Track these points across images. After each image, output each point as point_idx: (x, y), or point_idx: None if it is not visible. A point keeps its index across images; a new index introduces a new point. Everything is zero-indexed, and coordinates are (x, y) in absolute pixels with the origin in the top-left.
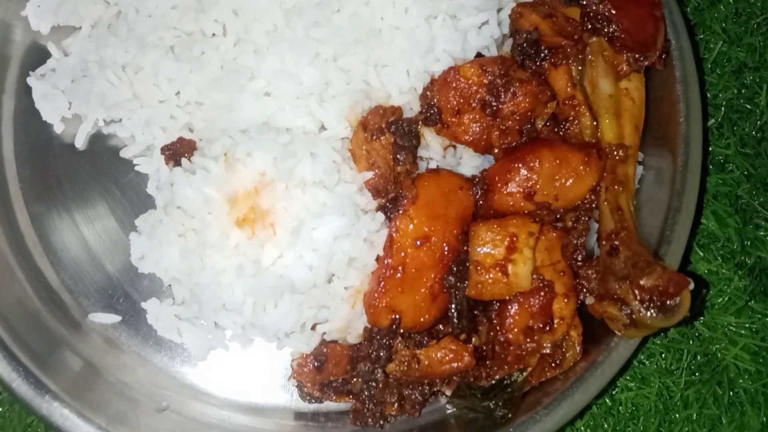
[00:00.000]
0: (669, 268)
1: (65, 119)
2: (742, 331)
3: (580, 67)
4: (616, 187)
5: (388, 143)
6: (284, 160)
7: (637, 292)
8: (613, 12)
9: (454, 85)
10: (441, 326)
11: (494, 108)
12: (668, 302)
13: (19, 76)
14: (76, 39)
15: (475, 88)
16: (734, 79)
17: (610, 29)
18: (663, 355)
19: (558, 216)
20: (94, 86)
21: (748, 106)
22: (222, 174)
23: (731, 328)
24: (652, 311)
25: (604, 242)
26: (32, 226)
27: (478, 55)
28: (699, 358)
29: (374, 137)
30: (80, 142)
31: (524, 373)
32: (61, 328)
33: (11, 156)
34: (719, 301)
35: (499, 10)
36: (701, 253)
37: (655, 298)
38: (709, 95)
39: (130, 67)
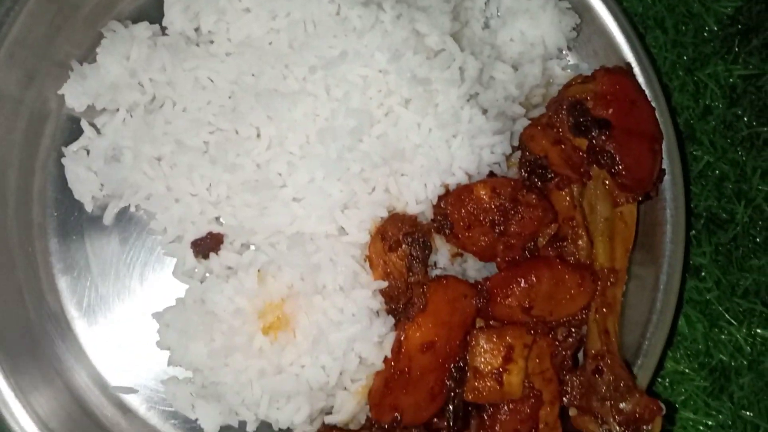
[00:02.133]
0: (644, 395)
1: (95, 198)
2: (700, 427)
3: (580, 188)
4: (604, 309)
5: (404, 255)
6: (310, 273)
7: (615, 415)
8: (619, 150)
9: (467, 203)
10: (435, 419)
11: (501, 228)
12: (642, 427)
13: (50, 149)
14: (111, 121)
15: (485, 206)
16: (716, 190)
17: (614, 167)
18: None
19: (550, 328)
20: (129, 175)
21: (725, 216)
22: (254, 287)
23: (690, 423)
24: None
25: (590, 360)
26: (60, 300)
27: (491, 173)
28: None
29: (392, 249)
30: (108, 220)
31: None
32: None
33: (42, 229)
34: (681, 398)
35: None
36: (670, 353)
37: (630, 422)
38: (691, 204)
39: (165, 161)
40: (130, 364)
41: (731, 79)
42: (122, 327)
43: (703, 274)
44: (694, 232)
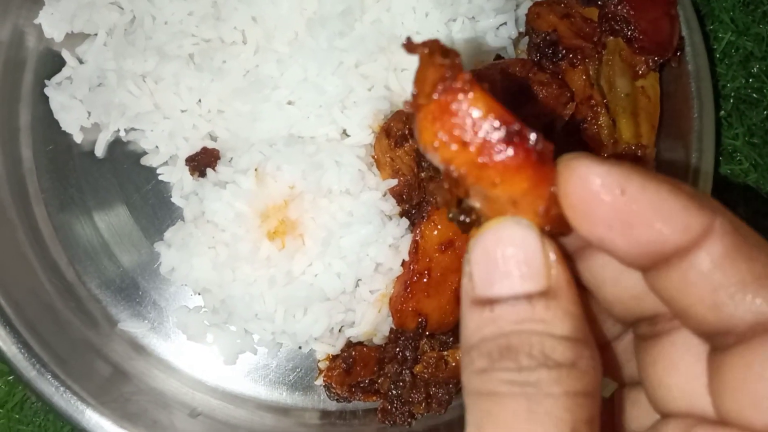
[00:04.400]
0: None
1: (84, 128)
2: None
3: (596, 66)
4: None
5: (412, 150)
6: (312, 172)
7: None
8: (632, 13)
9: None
10: None
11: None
12: None
13: (34, 84)
14: (92, 47)
15: (495, 90)
16: (742, 69)
17: (629, 31)
18: None
19: None
20: (114, 97)
21: (756, 96)
22: (253, 189)
23: None
24: None
25: None
26: (56, 237)
27: (497, 57)
28: None
29: (398, 144)
30: (100, 151)
31: None
32: (92, 338)
33: (31, 166)
34: None
35: (515, 8)
36: None
37: None
38: (718, 86)
39: (150, 77)
40: (136, 298)
41: None
42: (123, 260)
43: (738, 157)
44: (723, 113)
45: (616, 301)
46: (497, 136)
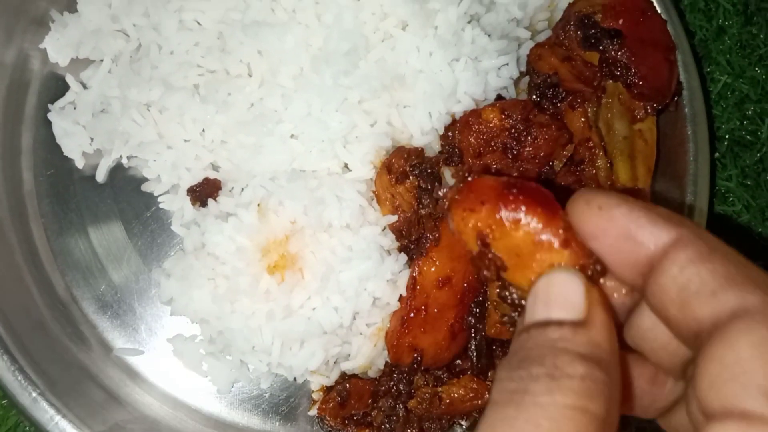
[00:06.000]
0: None
1: (86, 153)
2: None
3: (595, 108)
4: None
5: (412, 187)
6: (314, 207)
7: None
8: (633, 59)
9: (476, 128)
10: (459, 360)
11: (514, 151)
12: None
13: (37, 107)
14: (96, 73)
15: (496, 131)
16: (737, 111)
17: (629, 77)
18: None
19: None
20: (118, 124)
21: (750, 138)
22: (255, 223)
23: None
24: None
25: None
26: (55, 261)
27: (499, 97)
28: None
29: (399, 181)
30: (101, 176)
31: None
32: (87, 364)
33: (32, 189)
34: None
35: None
36: None
37: None
38: (713, 127)
39: (154, 106)
40: (132, 324)
41: None
42: (121, 286)
43: (731, 198)
44: (718, 154)
45: (660, 354)
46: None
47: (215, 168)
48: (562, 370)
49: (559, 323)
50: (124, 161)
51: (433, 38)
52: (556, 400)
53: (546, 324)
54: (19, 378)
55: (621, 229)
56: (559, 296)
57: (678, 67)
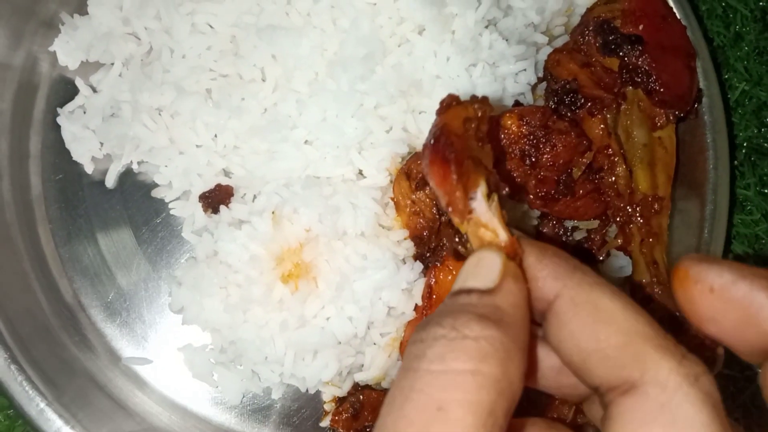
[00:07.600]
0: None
1: (95, 158)
2: None
3: (614, 115)
4: (650, 239)
5: (432, 193)
6: (329, 215)
7: None
8: (653, 65)
9: (493, 135)
10: None
11: (532, 158)
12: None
13: (46, 111)
14: (107, 76)
15: (514, 138)
16: (755, 118)
17: (650, 84)
18: None
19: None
20: (129, 129)
21: (767, 146)
22: (269, 232)
23: None
24: None
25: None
26: (63, 268)
27: (516, 103)
28: None
29: (418, 187)
30: (111, 182)
31: None
32: (95, 373)
33: (40, 194)
34: None
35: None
36: None
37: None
38: (732, 135)
39: (166, 110)
40: (141, 332)
41: (761, 2)
42: (130, 293)
43: (749, 207)
44: (736, 162)
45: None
46: None
47: (227, 174)
48: (460, 331)
49: (470, 290)
50: (135, 166)
51: (451, 43)
52: (447, 366)
53: (459, 292)
54: (26, 388)
55: (741, 312)
56: (479, 269)
57: (698, 73)
